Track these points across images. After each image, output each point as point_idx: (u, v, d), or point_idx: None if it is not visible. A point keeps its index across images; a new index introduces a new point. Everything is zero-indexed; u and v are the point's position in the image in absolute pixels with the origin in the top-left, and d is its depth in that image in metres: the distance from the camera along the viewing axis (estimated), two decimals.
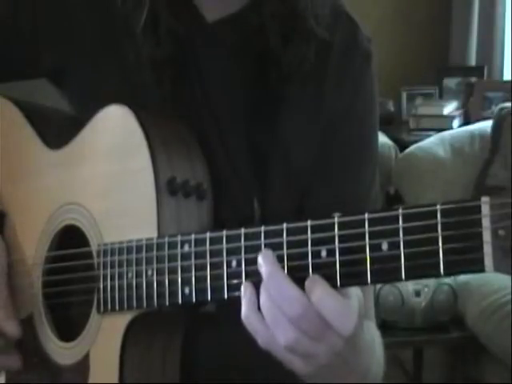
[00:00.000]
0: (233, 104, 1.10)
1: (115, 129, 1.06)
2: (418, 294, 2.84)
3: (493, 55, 4.09)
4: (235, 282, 0.90)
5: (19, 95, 1.24)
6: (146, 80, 1.09)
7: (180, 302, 0.95)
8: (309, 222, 0.85)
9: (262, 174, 1.09)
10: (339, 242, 0.83)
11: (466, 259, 0.75)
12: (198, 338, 1.10)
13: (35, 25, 1.16)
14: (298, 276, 0.85)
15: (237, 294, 0.89)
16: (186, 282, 0.94)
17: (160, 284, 0.97)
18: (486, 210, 0.73)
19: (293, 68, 1.07)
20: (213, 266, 0.92)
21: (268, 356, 0.89)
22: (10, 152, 1.21)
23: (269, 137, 1.09)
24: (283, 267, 0.86)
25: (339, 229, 0.83)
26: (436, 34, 4.21)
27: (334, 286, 0.84)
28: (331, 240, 0.83)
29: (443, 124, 3.86)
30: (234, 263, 0.90)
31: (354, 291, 0.86)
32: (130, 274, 1.00)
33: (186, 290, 0.94)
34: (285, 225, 0.87)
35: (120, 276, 1.02)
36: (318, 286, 0.83)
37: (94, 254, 1.06)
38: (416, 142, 3.67)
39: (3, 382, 1.20)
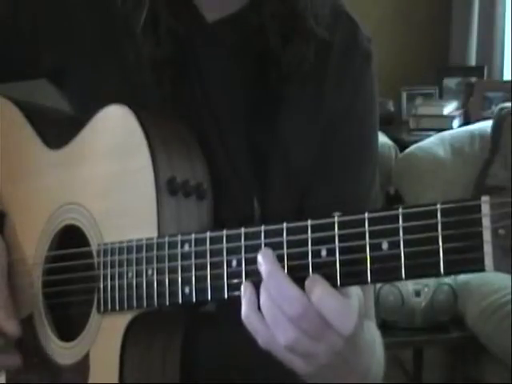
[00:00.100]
0: (233, 104, 1.10)
1: (115, 129, 1.06)
2: (418, 293, 2.84)
3: (493, 55, 4.09)
4: (235, 281, 0.90)
5: (19, 95, 1.24)
6: (145, 80, 1.09)
7: (180, 301, 0.95)
8: (309, 222, 0.85)
9: (261, 173, 1.09)
10: (339, 241, 0.83)
11: (466, 258, 0.75)
12: (198, 337, 1.10)
13: (35, 25, 1.16)
14: (298, 275, 0.85)
15: (237, 293, 0.89)
16: (186, 281, 0.94)
17: (160, 284, 0.97)
18: (486, 209, 0.73)
19: (293, 68, 1.07)
20: (213, 265, 0.92)
21: (268, 356, 0.89)
22: (9, 152, 1.21)
23: (269, 137, 1.09)
24: (283, 267, 0.86)
25: (339, 228, 0.83)
26: (436, 33, 4.21)
27: (334, 285, 0.84)
28: (331, 239, 0.83)
29: (443, 124, 3.86)
30: (234, 263, 0.90)
31: (354, 291, 0.86)
32: (130, 274, 1.00)
33: (186, 290, 0.94)
34: (285, 224, 0.87)
35: (120, 276, 1.02)
36: (318, 286, 0.83)
37: (94, 253, 1.06)
38: (416, 142, 3.67)
39: (3, 382, 1.20)
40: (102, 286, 1.04)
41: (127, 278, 1.01)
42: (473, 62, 4.14)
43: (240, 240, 0.90)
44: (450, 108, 3.97)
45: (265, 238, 0.88)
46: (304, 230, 0.85)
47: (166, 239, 0.97)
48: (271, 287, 0.85)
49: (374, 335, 1.03)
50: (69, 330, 1.12)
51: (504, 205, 0.72)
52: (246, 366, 1.12)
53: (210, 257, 0.92)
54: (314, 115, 1.10)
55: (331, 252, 0.83)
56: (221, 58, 1.11)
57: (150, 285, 0.98)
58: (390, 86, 3.92)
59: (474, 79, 4.09)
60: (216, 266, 0.92)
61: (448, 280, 2.84)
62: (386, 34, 4.01)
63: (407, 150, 3.61)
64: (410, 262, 0.78)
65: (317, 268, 0.84)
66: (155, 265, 0.98)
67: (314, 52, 1.08)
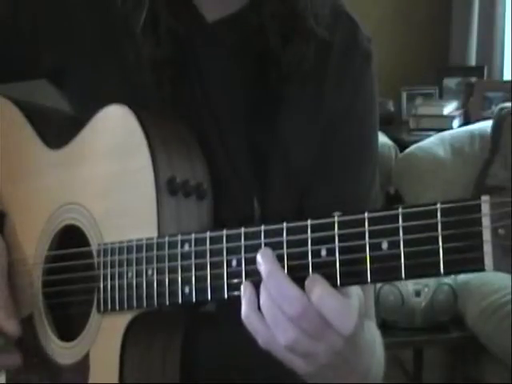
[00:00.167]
0: (233, 104, 1.10)
1: (115, 129, 1.06)
2: (418, 293, 2.84)
3: (493, 55, 4.09)
4: (235, 281, 0.90)
5: (19, 95, 1.24)
6: (145, 80, 1.09)
7: (180, 301, 0.95)
8: (309, 222, 0.85)
9: (261, 173, 1.09)
10: (339, 241, 0.83)
11: (466, 258, 0.75)
12: (198, 337, 1.10)
13: (35, 25, 1.16)
14: (297, 275, 0.85)
15: (237, 293, 0.89)
16: (186, 281, 0.94)
17: (160, 283, 0.97)
18: (485, 208, 0.73)
19: (292, 68, 1.07)
20: (213, 265, 0.92)
21: (268, 356, 0.89)
22: (9, 152, 1.21)
23: (269, 137, 1.09)
24: (283, 266, 0.86)
25: (339, 228, 0.83)
26: (436, 33, 4.21)
27: (334, 285, 0.84)
28: (331, 239, 0.83)
29: (443, 124, 3.86)
30: (234, 262, 0.90)
31: (355, 290, 0.86)
32: (130, 274, 1.00)
33: (186, 290, 0.94)
34: (285, 224, 0.87)
35: (120, 276, 1.02)
36: (318, 286, 0.83)
37: (94, 253, 1.06)
38: (416, 142, 3.67)
39: (3, 381, 1.20)
40: (101, 285, 1.04)
41: (127, 277, 1.01)
42: (473, 62, 4.14)
43: (240, 240, 0.90)
44: (449, 108, 3.97)
45: (265, 237, 0.88)
46: (304, 229, 0.85)
47: (166, 239, 0.97)
48: (271, 287, 0.85)
49: (374, 335, 1.03)
50: (69, 329, 1.12)
51: (504, 204, 0.72)
52: (246, 365, 1.12)
53: (210, 257, 0.92)
54: (314, 115, 1.10)
55: (331, 252, 0.83)
56: (221, 58, 1.11)
57: (149, 285, 0.98)
58: (390, 86, 3.92)
59: (474, 79, 4.09)
60: (216, 265, 0.92)
61: (448, 280, 2.84)
62: (385, 33, 4.01)
63: (407, 150, 3.61)
64: (410, 261, 0.78)
65: (317, 268, 0.84)
66: (155, 265, 0.98)
67: (314, 52, 1.07)
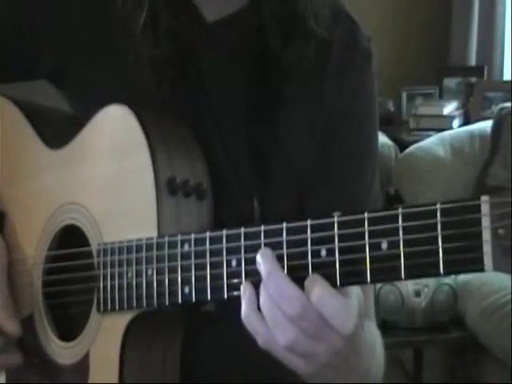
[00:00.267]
0: (233, 104, 1.10)
1: (115, 128, 1.06)
2: (418, 294, 2.84)
3: (493, 55, 4.09)
4: (235, 281, 0.90)
5: (19, 95, 1.24)
6: (145, 80, 1.09)
7: (180, 301, 0.95)
8: (308, 222, 0.85)
9: (262, 173, 1.09)
10: (339, 241, 0.83)
11: (466, 258, 0.75)
12: (198, 337, 1.10)
13: (35, 25, 1.16)
14: (297, 275, 0.85)
15: (236, 293, 0.89)
16: (185, 281, 0.94)
17: (160, 283, 0.97)
18: (485, 209, 0.73)
19: (293, 68, 1.07)
20: (213, 265, 0.92)
21: (268, 356, 0.89)
22: (10, 152, 1.21)
23: (269, 137, 1.09)
24: (283, 266, 0.86)
25: (339, 228, 0.83)
26: (436, 33, 4.21)
27: (333, 285, 0.84)
28: (331, 239, 0.83)
29: (443, 124, 3.86)
30: (233, 263, 0.90)
31: (354, 290, 0.86)
32: (129, 274, 1.01)
33: (186, 290, 0.94)
34: (284, 224, 0.87)
35: (120, 275, 1.02)
36: (317, 285, 0.83)
37: (94, 253, 1.06)
38: (416, 142, 3.67)
39: (3, 381, 1.20)
40: (101, 285, 1.04)
41: (127, 277, 1.01)
42: (473, 62, 4.14)
43: (240, 240, 0.90)
44: (450, 108, 3.97)
45: (264, 237, 0.88)
46: (304, 229, 0.85)
47: (166, 239, 0.97)
48: (271, 287, 0.85)
49: (374, 335, 1.03)
50: (69, 329, 1.12)
51: (504, 205, 0.72)
52: (246, 365, 1.12)
53: (210, 257, 0.92)
54: (314, 115, 1.10)
55: (331, 252, 0.83)
56: (221, 58, 1.11)
57: (149, 285, 0.98)
58: (390, 86, 3.92)
59: (474, 79, 4.09)
60: (216, 265, 0.92)
61: (448, 280, 2.84)
62: (385, 33, 4.01)
63: (407, 150, 3.61)
64: (410, 261, 0.78)
65: (316, 268, 0.85)
66: (155, 265, 0.98)
67: (314, 52, 1.07)
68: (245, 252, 0.89)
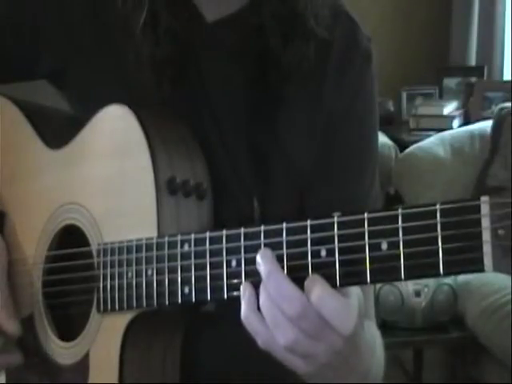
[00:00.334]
0: (233, 104, 1.10)
1: (115, 128, 1.06)
2: (418, 294, 2.84)
3: (493, 55, 4.09)
4: (235, 281, 0.90)
5: (19, 95, 1.24)
6: (146, 80, 1.09)
7: (180, 301, 0.95)
8: (308, 222, 0.85)
9: (262, 173, 1.09)
10: (339, 241, 0.83)
11: (466, 259, 0.75)
12: (199, 337, 1.10)
13: (35, 25, 1.16)
14: (297, 276, 0.85)
15: (236, 293, 0.89)
16: (185, 281, 0.94)
17: (160, 283, 0.97)
18: (485, 209, 0.73)
19: (293, 68, 1.07)
20: (212, 265, 0.92)
21: (268, 356, 0.89)
22: (9, 152, 1.21)
23: (269, 137, 1.09)
24: (283, 267, 0.86)
25: (339, 228, 0.83)
26: (436, 33, 4.21)
27: (333, 285, 0.84)
28: (331, 239, 0.83)
29: (443, 124, 3.86)
30: (233, 263, 0.90)
31: (354, 290, 0.86)
32: (129, 274, 1.01)
33: (186, 290, 0.94)
34: (284, 224, 0.87)
35: (120, 275, 1.02)
36: (317, 286, 0.83)
37: (94, 253, 1.06)
38: (416, 142, 3.67)
39: (3, 381, 1.20)
40: (101, 285, 1.04)
41: (127, 277, 1.01)
42: (473, 62, 4.14)
43: (240, 240, 0.90)
44: (450, 108, 3.97)
45: (264, 238, 0.88)
46: (303, 230, 0.85)
47: (166, 239, 0.97)
48: (270, 287, 0.85)
49: (374, 335, 1.03)
50: (69, 329, 1.12)
51: (503, 205, 0.72)
52: (246, 366, 1.12)
53: (210, 257, 0.92)
54: (314, 115, 1.10)
55: (331, 252, 0.83)
56: (221, 58, 1.11)
57: (149, 285, 0.98)
58: (390, 86, 3.92)
59: (474, 79, 4.09)
60: (215, 266, 0.92)
61: (448, 280, 2.84)
62: (385, 33, 4.01)
63: (407, 150, 3.61)
64: (410, 262, 0.78)
65: (316, 268, 0.85)
66: (155, 265, 0.98)
67: (314, 52, 1.07)
68: (245, 252, 0.89)
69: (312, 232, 0.85)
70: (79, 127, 1.12)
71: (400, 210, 0.79)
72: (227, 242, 0.91)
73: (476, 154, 3.54)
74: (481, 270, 0.74)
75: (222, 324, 1.07)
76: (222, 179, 1.07)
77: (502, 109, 3.53)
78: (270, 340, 0.86)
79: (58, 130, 1.20)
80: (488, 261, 0.73)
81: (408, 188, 3.52)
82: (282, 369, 0.90)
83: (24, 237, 1.18)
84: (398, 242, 0.79)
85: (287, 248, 0.86)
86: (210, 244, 0.92)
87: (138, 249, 1.00)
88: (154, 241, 0.98)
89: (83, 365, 1.07)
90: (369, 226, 0.81)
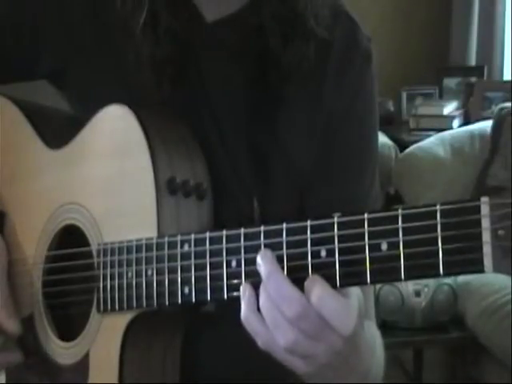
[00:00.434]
0: (233, 104, 1.10)
1: (115, 128, 1.06)
2: (418, 294, 2.84)
3: (493, 55, 4.09)
4: (235, 282, 0.90)
5: (19, 95, 1.24)
6: (146, 80, 1.09)
7: (180, 301, 0.95)
8: (308, 222, 0.85)
9: (262, 173, 1.09)
10: (339, 241, 0.83)
11: (466, 259, 0.75)
12: (199, 338, 1.10)
13: (35, 25, 1.16)
14: (297, 276, 0.85)
15: (236, 294, 0.89)
16: (185, 281, 0.94)
17: (160, 284, 0.97)
18: (485, 210, 0.73)
19: (293, 68, 1.07)
20: (212, 265, 0.92)
21: (268, 356, 0.89)
22: (9, 152, 1.21)
23: (269, 137, 1.09)
24: (283, 267, 0.86)
25: (339, 229, 0.83)
26: (436, 33, 4.21)
27: (333, 286, 0.84)
28: (331, 240, 0.83)
29: (443, 124, 3.86)
30: (233, 263, 0.90)
31: (354, 291, 0.86)
32: (129, 274, 1.01)
33: (186, 290, 0.94)
34: (284, 225, 0.87)
35: (120, 276, 1.02)
36: (317, 286, 0.83)
37: (94, 253, 1.06)
38: (416, 142, 3.67)
39: (3, 381, 1.20)
40: (101, 285, 1.04)
41: (127, 277, 1.01)
42: (473, 62, 4.14)
43: (240, 240, 0.90)
44: (450, 108, 3.97)
45: (264, 238, 0.88)
46: (303, 230, 0.85)
47: (166, 239, 0.97)
48: (270, 288, 0.85)
49: (374, 335, 1.03)
50: (69, 329, 1.12)
51: (504, 206, 0.72)
52: (245, 366, 1.12)
53: (210, 257, 0.92)
54: (314, 115, 1.10)
55: (331, 252, 0.83)
56: (220, 58, 1.11)
57: (149, 285, 0.98)
58: (390, 86, 3.92)
59: (474, 79, 4.09)
60: (215, 266, 0.92)
61: (448, 280, 2.84)
62: (385, 33, 4.01)
63: (407, 150, 3.61)
64: (410, 262, 0.78)
65: (316, 269, 0.84)
66: (155, 265, 0.98)
67: (314, 52, 1.07)
68: (245, 252, 0.89)
69: (312, 232, 0.85)
70: (79, 127, 1.12)
71: (400, 211, 0.79)
72: (227, 242, 0.91)
73: (476, 154, 3.55)
74: (481, 270, 0.73)
75: (221, 324, 1.07)
76: (221, 179, 1.07)
77: (502, 109, 3.53)
78: (269, 340, 0.86)
79: (58, 129, 1.20)
80: (488, 261, 0.73)
81: (408, 188, 3.52)
82: (282, 369, 0.90)
83: (24, 237, 1.18)
84: (398, 243, 0.79)
85: (287, 248, 0.86)
86: (210, 244, 0.92)
87: (138, 249, 1.00)
88: (154, 241, 0.98)
89: (83, 365, 1.07)
90: (369, 226, 0.81)
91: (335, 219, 0.83)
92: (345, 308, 0.84)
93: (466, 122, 3.93)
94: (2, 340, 1.13)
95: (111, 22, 1.12)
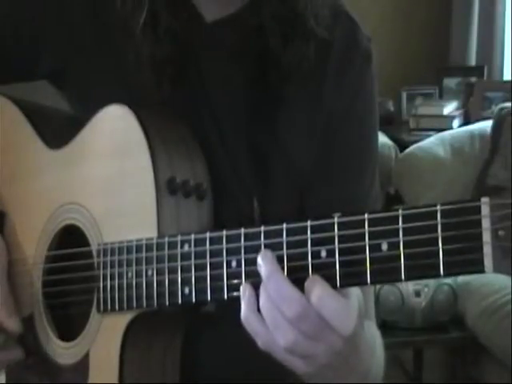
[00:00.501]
0: (233, 104, 1.10)
1: (115, 128, 1.06)
2: (418, 294, 2.84)
3: (493, 55, 4.09)
4: (235, 282, 0.90)
5: (19, 95, 1.24)
6: (146, 80, 1.09)
7: (180, 302, 0.95)
8: (308, 223, 0.85)
9: (262, 173, 1.09)
10: (339, 242, 0.83)
11: (466, 260, 0.75)
12: (199, 338, 1.10)
13: (35, 25, 1.16)
14: (297, 276, 0.85)
15: (236, 294, 0.89)
16: (185, 282, 0.94)
17: (160, 284, 0.97)
18: (485, 210, 0.73)
19: (292, 68, 1.07)
20: (213, 266, 0.92)
21: (268, 356, 0.89)
22: (9, 152, 1.21)
23: (269, 137, 1.09)
24: (283, 267, 0.86)
25: (339, 229, 0.83)
26: (436, 33, 4.21)
27: (333, 286, 0.84)
28: (331, 240, 0.83)
29: (443, 124, 3.86)
30: (233, 263, 0.90)
31: (354, 291, 0.86)
32: (129, 274, 1.00)
33: (186, 290, 0.94)
34: (285, 225, 0.87)
35: (120, 276, 1.02)
36: (317, 286, 0.83)
37: (94, 253, 1.06)
38: (416, 142, 3.67)
39: (3, 381, 1.20)
40: (101, 285, 1.04)
41: (127, 278, 1.01)
42: (473, 62, 4.14)
43: (240, 240, 0.90)
44: (450, 108, 3.97)
45: (264, 238, 0.88)
46: (304, 230, 0.85)
47: (166, 239, 0.97)
48: (271, 289, 0.85)
49: (374, 335, 1.03)
50: (69, 329, 1.12)
51: (504, 206, 0.72)
52: (245, 366, 1.12)
53: (210, 257, 0.92)
54: (314, 115, 1.10)
55: (331, 253, 0.83)
56: (220, 58, 1.11)
57: (149, 285, 0.98)
58: (390, 86, 3.92)
59: (474, 79, 4.09)
60: (216, 266, 0.92)
61: (448, 280, 2.84)
62: (385, 33, 4.01)
63: (407, 150, 3.61)
64: (410, 263, 0.78)
65: (316, 269, 0.84)
66: (155, 265, 0.98)
67: (314, 52, 1.07)
68: (245, 253, 0.89)
69: (312, 233, 0.85)
70: (79, 127, 1.12)
71: (400, 211, 0.79)
72: (227, 242, 0.91)
73: (476, 154, 3.54)
74: (481, 271, 0.73)
75: (221, 324, 1.07)
76: (221, 179, 1.07)
77: (502, 109, 3.53)
78: (269, 341, 0.86)
79: (57, 129, 1.20)
80: (488, 262, 0.73)
81: (408, 188, 3.52)
82: (282, 369, 0.90)
83: (24, 237, 1.18)
84: (399, 243, 0.79)
85: (287, 249, 0.86)
86: (210, 244, 0.92)
87: (138, 249, 1.00)
88: (154, 241, 0.98)
89: (83, 365, 1.07)
90: (369, 226, 0.81)
91: (335, 219, 0.83)
92: (345, 308, 0.84)
93: (466, 122, 3.93)
94: (3, 339, 1.13)
95: (111, 22, 1.12)
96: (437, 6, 4.21)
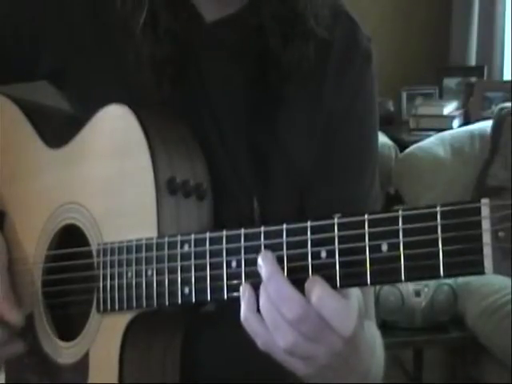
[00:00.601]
0: (233, 104, 1.10)
1: (115, 128, 1.06)
2: (418, 294, 2.84)
3: (493, 55, 4.09)
4: (235, 282, 0.90)
5: (19, 94, 1.24)
6: (146, 80, 1.09)
7: (180, 302, 0.95)
8: (309, 223, 0.85)
9: (262, 173, 1.09)
10: (339, 242, 0.83)
11: (466, 261, 0.75)
12: (199, 338, 1.10)
13: (35, 25, 1.16)
14: (297, 277, 0.85)
15: (236, 294, 0.89)
16: (185, 282, 0.94)
17: (160, 284, 0.97)
18: (485, 211, 0.73)
19: (292, 68, 1.07)
20: (212, 266, 0.92)
21: (267, 357, 0.89)
22: (9, 151, 1.21)
23: (269, 137, 1.09)
24: (283, 268, 0.86)
25: (339, 230, 0.83)
26: (436, 33, 4.21)
27: (333, 286, 0.84)
28: (331, 241, 0.83)
29: (443, 124, 3.85)
30: (233, 264, 0.90)
31: (354, 291, 0.86)
32: (129, 274, 1.00)
33: (186, 290, 0.94)
34: (285, 225, 0.87)
35: (120, 276, 1.02)
36: (317, 287, 0.83)
37: (94, 253, 1.06)
38: (416, 142, 3.66)
39: (3, 381, 1.20)
40: (101, 285, 1.04)
41: (127, 277, 1.01)
42: (473, 62, 4.14)
43: (240, 241, 0.90)
44: (450, 108, 3.97)
45: (264, 239, 0.88)
46: (304, 231, 0.85)
47: (166, 239, 0.97)
48: (271, 290, 0.85)
49: (374, 335, 1.03)
50: (69, 329, 1.12)
51: (504, 207, 0.71)
52: (245, 366, 1.12)
53: (210, 257, 0.92)
54: (314, 115, 1.10)
55: (331, 253, 0.83)
56: (220, 58, 1.11)
57: (149, 285, 0.98)
58: (390, 86, 3.92)
59: (474, 79, 4.09)
60: (215, 266, 0.92)
61: (448, 280, 2.84)
62: (385, 33, 4.01)
63: (407, 150, 3.61)
64: (410, 264, 0.78)
65: (316, 269, 0.84)
66: (155, 265, 0.98)
67: (314, 52, 1.07)
68: (245, 253, 0.89)
69: (312, 233, 0.85)
70: (79, 127, 1.12)
71: (400, 212, 0.79)
72: (227, 242, 0.91)
73: (476, 154, 3.54)
74: (481, 272, 0.73)
75: (221, 324, 1.07)
76: (221, 179, 1.07)
77: (502, 109, 3.52)
78: (269, 341, 0.86)
79: (57, 129, 1.20)
80: (488, 263, 0.73)
81: (408, 188, 3.52)
82: (282, 369, 0.90)
83: (24, 236, 1.18)
84: (399, 244, 0.79)
85: (287, 249, 0.86)
86: (210, 244, 0.92)
87: (138, 249, 1.00)
88: (154, 241, 0.98)
89: (83, 365, 1.07)
90: (369, 227, 0.81)
91: (335, 220, 0.83)
92: (345, 309, 0.84)
93: (466, 122, 3.93)
94: (6, 334, 1.13)
95: (111, 22, 1.12)
96: (437, 6, 4.21)
